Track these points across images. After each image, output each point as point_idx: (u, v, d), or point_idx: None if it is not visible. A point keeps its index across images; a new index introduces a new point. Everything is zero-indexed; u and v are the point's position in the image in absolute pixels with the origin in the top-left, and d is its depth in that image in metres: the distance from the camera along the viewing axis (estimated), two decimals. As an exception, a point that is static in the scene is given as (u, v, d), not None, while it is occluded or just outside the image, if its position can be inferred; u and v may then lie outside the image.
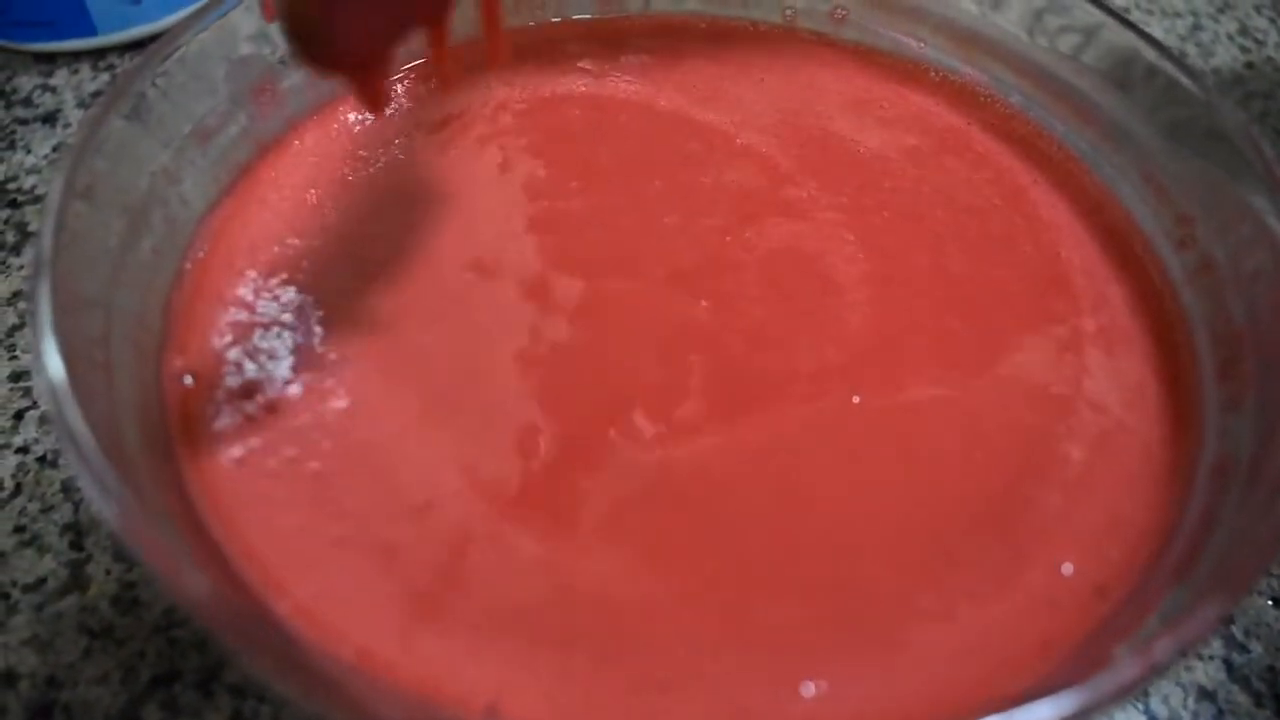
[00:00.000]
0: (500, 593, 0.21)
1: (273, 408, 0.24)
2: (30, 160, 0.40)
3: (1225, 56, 0.47)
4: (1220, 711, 0.28)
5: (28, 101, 0.43)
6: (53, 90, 0.43)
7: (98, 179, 0.23)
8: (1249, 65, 0.47)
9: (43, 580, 0.28)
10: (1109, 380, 0.25)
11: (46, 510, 0.30)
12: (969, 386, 0.25)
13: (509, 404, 0.24)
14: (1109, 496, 0.23)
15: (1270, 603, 0.29)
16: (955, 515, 0.23)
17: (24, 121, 0.42)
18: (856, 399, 0.25)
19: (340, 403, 0.24)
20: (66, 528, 0.29)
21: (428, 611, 0.21)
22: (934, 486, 0.23)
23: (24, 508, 0.30)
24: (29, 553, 0.29)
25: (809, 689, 0.20)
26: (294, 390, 0.24)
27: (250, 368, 0.24)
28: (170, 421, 0.23)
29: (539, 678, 0.20)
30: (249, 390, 0.24)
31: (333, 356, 0.25)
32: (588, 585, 0.21)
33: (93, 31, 0.43)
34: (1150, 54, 0.28)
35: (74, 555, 0.29)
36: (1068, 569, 0.22)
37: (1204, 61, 0.46)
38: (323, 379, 0.24)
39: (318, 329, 0.25)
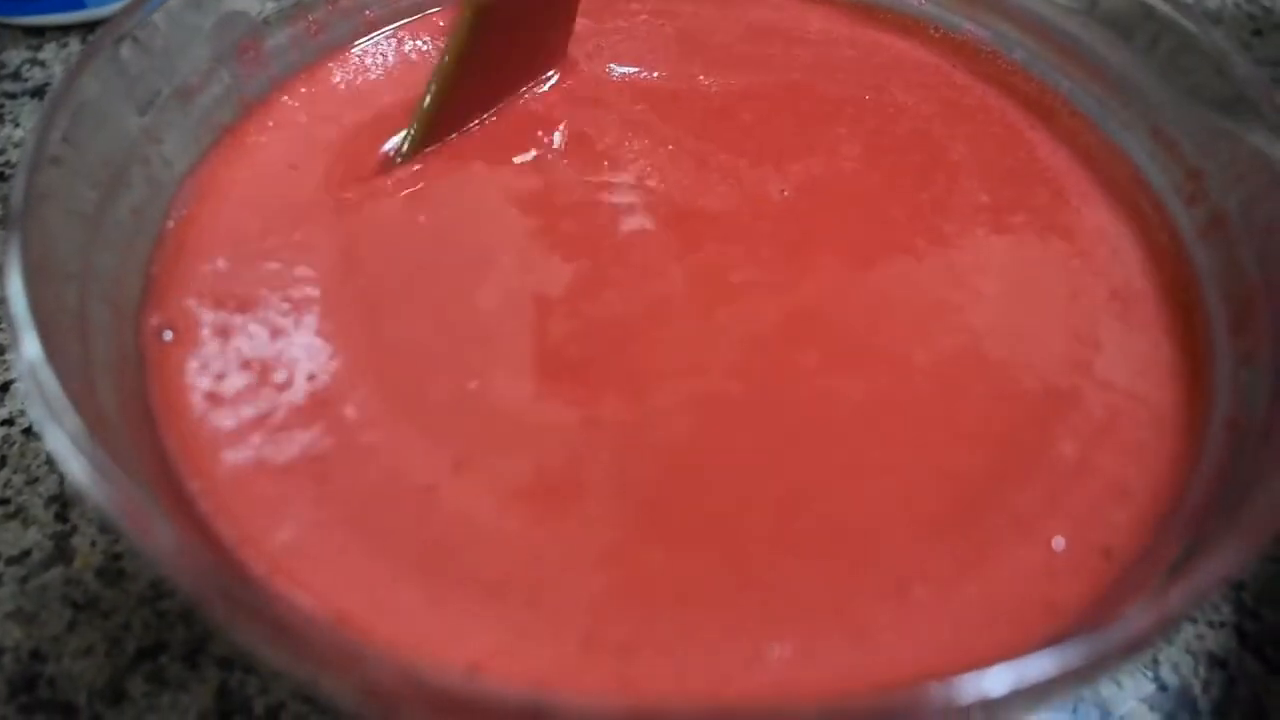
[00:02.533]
0: (481, 561, 0.21)
1: (252, 364, 0.23)
2: (19, 134, 0.40)
3: (1233, 25, 0.46)
4: (1232, 679, 0.27)
5: (16, 75, 0.42)
6: (41, 64, 0.43)
7: (72, 142, 0.23)
8: (1256, 32, 0.46)
9: (27, 553, 0.28)
10: (1123, 338, 0.25)
11: (31, 482, 0.29)
12: (986, 344, 0.25)
13: (502, 364, 0.24)
14: (1117, 461, 0.23)
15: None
16: (964, 477, 0.22)
17: (12, 95, 0.41)
18: (858, 355, 0.24)
19: (321, 360, 0.23)
20: (51, 500, 0.29)
21: (409, 573, 0.20)
22: (946, 447, 0.23)
23: (9, 480, 0.29)
24: (14, 525, 0.28)
25: (812, 646, 0.19)
26: (273, 347, 0.23)
27: (229, 325, 0.24)
28: (148, 380, 0.22)
29: (524, 642, 0.19)
30: (227, 347, 0.23)
31: (315, 314, 0.24)
32: (579, 553, 0.21)
33: (81, 4, 0.43)
34: (1161, 8, 0.27)
35: (59, 527, 0.28)
36: (1065, 539, 0.21)
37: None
38: (303, 336, 0.24)
39: (301, 288, 0.25)
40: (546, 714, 0.15)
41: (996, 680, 0.15)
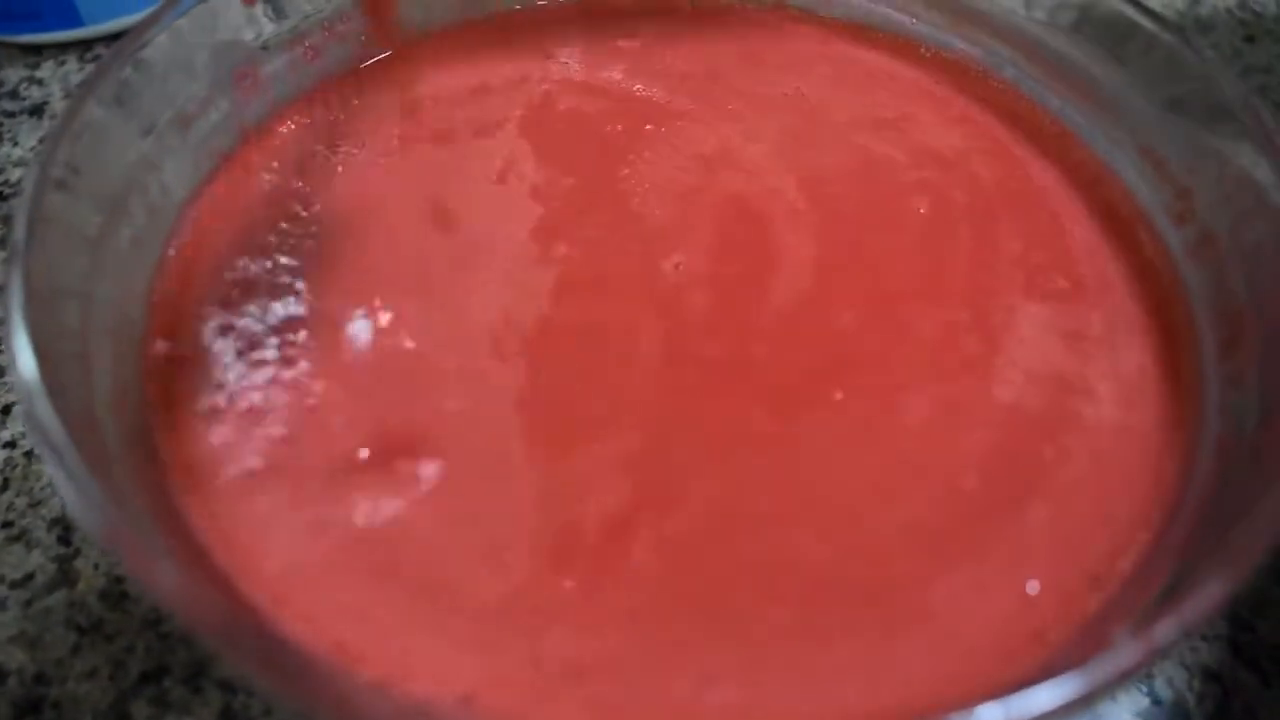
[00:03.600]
0: (476, 588, 0.21)
1: (252, 392, 0.23)
2: (18, 153, 0.40)
3: (1225, 31, 0.46)
4: (1226, 692, 0.27)
5: (14, 94, 0.42)
6: (39, 82, 0.43)
7: (75, 167, 0.23)
8: (1249, 39, 0.46)
9: (30, 576, 0.28)
10: (1114, 362, 0.25)
11: (34, 505, 0.29)
12: (979, 375, 0.25)
13: (496, 390, 0.24)
14: (1107, 487, 0.23)
15: (1277, 582, 0.29)
16: (952, 511, 0.22)
17: (11, 114, 0.41)
18: (839, 395, 0.24)
19: (324, 387, 0.24)
20: (54, 522, 0.29)
21: (404, 601, 0.20)
22: (932, 482, 0.23)
23: (11, 503, 0.29)
24: (17, 548, 0.29)
25: (792, 683, 0.20)
26: (274, 375, 0.24)
27: (231, 353, 0.24)
28: (149, 410, 0.23)
29: (515, 672, 0.20)
30: (228, 375, 0.24)
31: (316, 341, 0.24)
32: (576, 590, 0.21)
33: (79, 23, 0.43)
34: (1149, 26, 0.27)
35: (62, 550, 0.29)
36: (1053, 567, 0.21)
37: (1203, 35, 0.46)
38: (306, 364, 0.24)
39: (301, 314, 0.25)
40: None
41: (988, 716, 0.15)
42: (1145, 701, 0.27)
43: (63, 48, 0.44)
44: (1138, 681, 0.27)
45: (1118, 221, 0.27)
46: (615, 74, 0.31)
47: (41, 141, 0.40)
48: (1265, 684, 0.27)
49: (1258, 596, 0.29)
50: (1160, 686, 0.27)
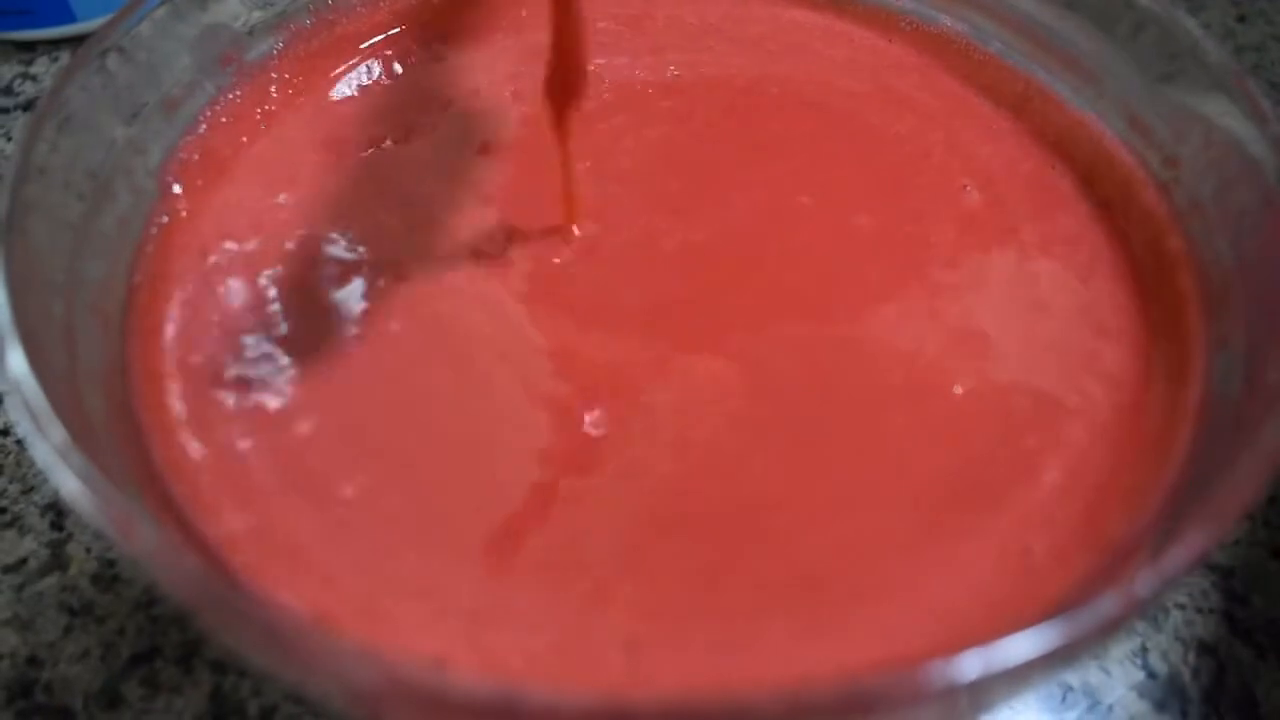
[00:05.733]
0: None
1: (237, 369, 0.23)
2: (12, 148, 0.40)
3: (1216, 10, 0.46)
4: (1221, 666, 0.27)
5: (9, 90, 0.42)
6: (33, 79, 0.43)
7: (59, 151, 0.23)
8: (1240, 19, 0.46)
9: (23, 561, 0.28)
10: (1099, 327, 0.25)
11: (27, 491, 0.30)
12: (966, 349, 0.24)
13: (494, 369, 0.24)
14: (1093, 450, 0.23)
15: (1271, 555, 0.29)
16: (944, 479, 0.22)
17: (5, 110, 0.42)
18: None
19: (308, 362, 0.24)
20: (47, 508, 0.29)
21: (383, 572, 0.20)
22: (927, 447, 0.23)
23: (5, 489, 0.30)
24: (10, 534, 0.29)
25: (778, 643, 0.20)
26: (258, 352, 0.24)
27: (214, 332, 0.24)
28: (134, 388, 0.23)
29: (488, 643, 0.20)
30: (213, 353, 0.24)
31: (300, 316, 0.24)
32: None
33: (72, 19, 0.43)
34: (1142, 1, 0.27)
35: (54, 535, 0.29)
36: (1040, 532, 0.21)
37: (1195, 15, 0.46)
38: (290, 338, 0.24)
39: (285, 292, 0.25)
40: (518, 707, 0.15)
41: (968, 665, 0.15)
42: (1140, 675, 0.27)
43: (56, 44, 0.44)
44: (1133, 654, 0.27)
45: (1103, 190, 0.27)
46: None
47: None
48: (1260, 657, 0.27)
49: (1252, 570, 0.29)
50: (1155, 660, 0.27)
